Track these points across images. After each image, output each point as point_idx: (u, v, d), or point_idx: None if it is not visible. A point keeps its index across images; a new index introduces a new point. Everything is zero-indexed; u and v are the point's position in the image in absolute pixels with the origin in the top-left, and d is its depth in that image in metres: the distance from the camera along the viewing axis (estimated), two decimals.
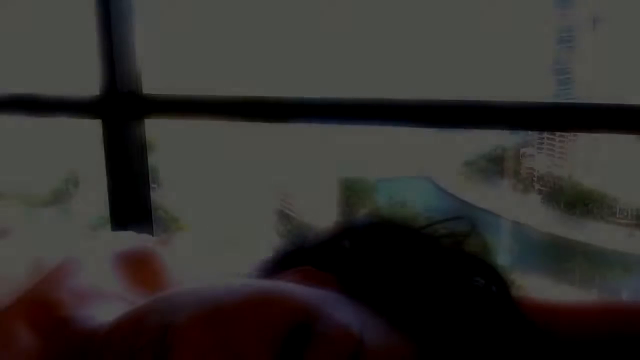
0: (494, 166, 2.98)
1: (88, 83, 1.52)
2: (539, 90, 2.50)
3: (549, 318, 0.59)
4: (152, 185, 1.53)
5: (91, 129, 1.58)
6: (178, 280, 0.66)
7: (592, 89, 2.49)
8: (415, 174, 2.89)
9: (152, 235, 1.39)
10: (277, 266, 0.62)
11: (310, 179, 2.63)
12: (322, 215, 2.59)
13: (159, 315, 0.49)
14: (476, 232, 0.59)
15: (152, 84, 1.52)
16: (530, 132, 2.74)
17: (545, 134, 2.71)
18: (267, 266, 0.62)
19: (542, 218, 2.81)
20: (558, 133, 2.65)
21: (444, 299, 0.54)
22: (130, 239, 0.72)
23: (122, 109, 1.46)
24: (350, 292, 0.55)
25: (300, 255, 0.62)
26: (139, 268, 0.66)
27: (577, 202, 2.75)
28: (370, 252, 0.59)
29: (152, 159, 1.56)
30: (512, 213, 2.84)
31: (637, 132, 1.22)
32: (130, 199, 1.46)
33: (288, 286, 0.53)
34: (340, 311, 0.50)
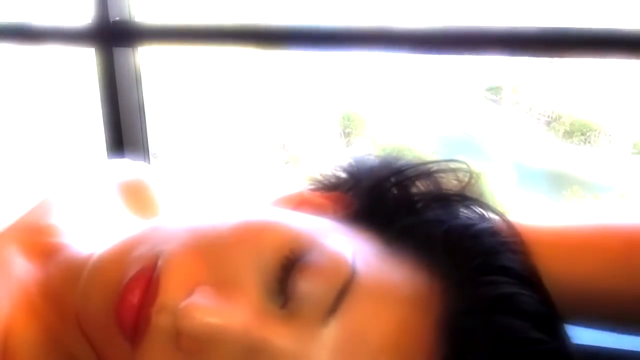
0: (493, 95, 2.96)
1: (81, 11, 1.50)
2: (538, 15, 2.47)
3: (547, 245, 0.57)
4: (147, 114, 1.52)
5: (87, 59, 1.57)
6: (172, 208, 0.66)
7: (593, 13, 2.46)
8: (414, 102, 2.87)
9: (148, 164, 1.39)
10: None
11: (309, 110, 2.62)
12: (320, 145, 2.59)
13: (150, 243, 0.49)
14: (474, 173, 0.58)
15: (145, 11, 1.50)
16: (529, 62, 2.71)
17: (544, 63, 2.68)
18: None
19: (540, 146, 2.81)
20: (557, 63, 2.62)
21: (454, 230, 0.53)
22: (126, 168, 0.72)
23: (114, 37, 1.45)
24: (357, 217, 0.54)
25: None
26: (134, 196, 0.66)
27: (575, 131, 2.74)
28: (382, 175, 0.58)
29: (148, 90, 1.55)
30: (510, 142, 2.84)
31: (636, 57, 1.21)
32: (125, 127, 1.46)
33: (282, 215, 0.52)
34: (334, 241, 0.49)
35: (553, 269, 0.55)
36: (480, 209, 0.56)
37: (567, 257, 0.57)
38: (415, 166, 0.58)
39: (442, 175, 0.57)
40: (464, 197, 0.56)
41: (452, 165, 0.58)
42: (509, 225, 0.55)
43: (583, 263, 0.57)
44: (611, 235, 0.58)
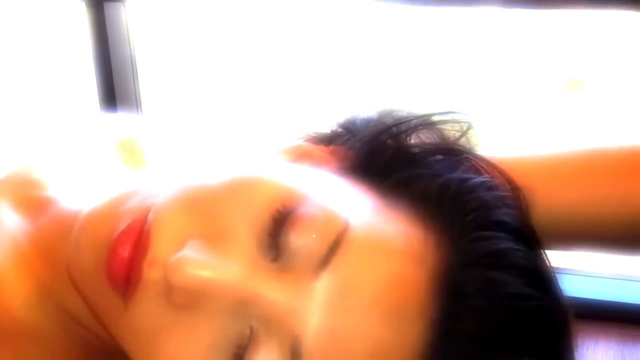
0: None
1: None
2: None
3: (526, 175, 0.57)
4: (139, 68, 1.51)
5: (78, 14, 1.55)
6: (163, 163, 0.66)
7: None
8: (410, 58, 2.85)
9: (141, 119, 1.38)
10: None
11: (308, 64, 2.60)
12: (316, 100, 2.58)
13: (141, 197, 0.49)
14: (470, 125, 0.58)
15: None
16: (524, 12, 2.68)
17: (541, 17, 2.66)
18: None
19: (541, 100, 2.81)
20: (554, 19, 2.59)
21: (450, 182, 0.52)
22: (119, 122, 0.71)
23: None
24: (354, 170, 0.54)
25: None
26: (127, 151, 0.66)
27: (572, 86, 2.73)
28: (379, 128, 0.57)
29: (141, 44, 1.54)
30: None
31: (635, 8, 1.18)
32: (118, 81, 1.45)
33: (275, 168, 0.52)
34: (328, 193, 0.49)
35: (541, 199, 0.56)
36: (469, 156, 0.56)
37: (555, 186, 0.57)
38: (413, 117, 0.57)
39: (442, 126, 0.57)
40: (455, 148, 0.56)
41: (451, 116, 0.58)
42: (490, 164, 0.55)
43: (570, 191, 0.57)
44: (598, 161, 0.58)
